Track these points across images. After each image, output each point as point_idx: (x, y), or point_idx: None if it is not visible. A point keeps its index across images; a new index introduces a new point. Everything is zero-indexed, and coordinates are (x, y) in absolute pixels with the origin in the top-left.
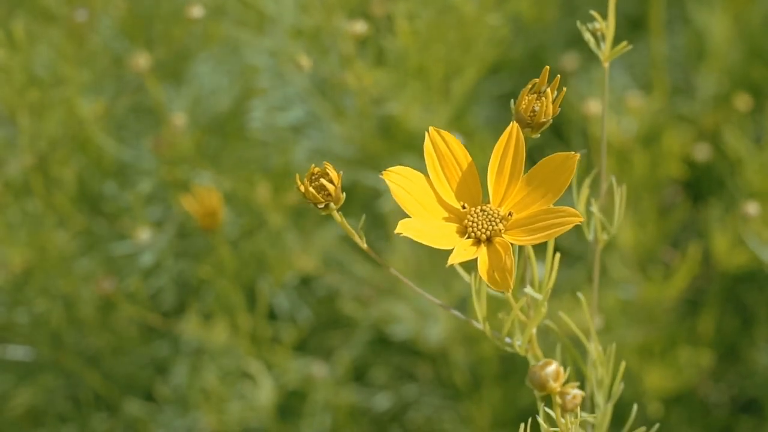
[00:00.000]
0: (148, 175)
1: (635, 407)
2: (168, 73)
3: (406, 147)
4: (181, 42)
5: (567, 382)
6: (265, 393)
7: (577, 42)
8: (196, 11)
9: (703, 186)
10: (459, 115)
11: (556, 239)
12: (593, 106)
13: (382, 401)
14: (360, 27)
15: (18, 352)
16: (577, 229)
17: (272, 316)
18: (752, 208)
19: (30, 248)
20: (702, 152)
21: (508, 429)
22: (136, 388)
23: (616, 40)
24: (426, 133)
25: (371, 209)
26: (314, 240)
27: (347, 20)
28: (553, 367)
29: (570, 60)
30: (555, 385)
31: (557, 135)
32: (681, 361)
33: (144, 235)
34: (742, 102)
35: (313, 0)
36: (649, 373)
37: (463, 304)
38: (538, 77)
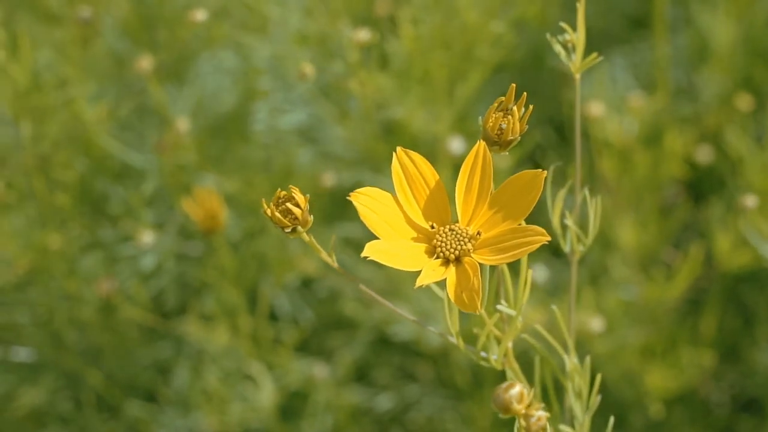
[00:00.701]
0: (150, 177)
1: (612, 420)
2: (171, 74)
3: (409, 149)
4: (185, 43)
5: (541, 397)
6: (266, 394)
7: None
8: (200, 15)
9: (705, 186)
10: (462, 117)
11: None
12: (595, 108)
13: (384, 402)
14: (364, 35)
15: (20, 353)
16: (559, 236)
17: (274, 317)
18: (750, 200)
19: (32, 249)
20: (704, 153)
21: (508, 429)
22: (137, 389)
23: (618, 40)
24: (393, 154)
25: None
26: (316, 241)
27: (352, 26)
28: (517, 389)
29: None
30: (519, 407)
31: (560, 136)
32: (682, 361)
33: (146, 237)
34: (744, 102)
35: (317, 4)
36: (651, 373)
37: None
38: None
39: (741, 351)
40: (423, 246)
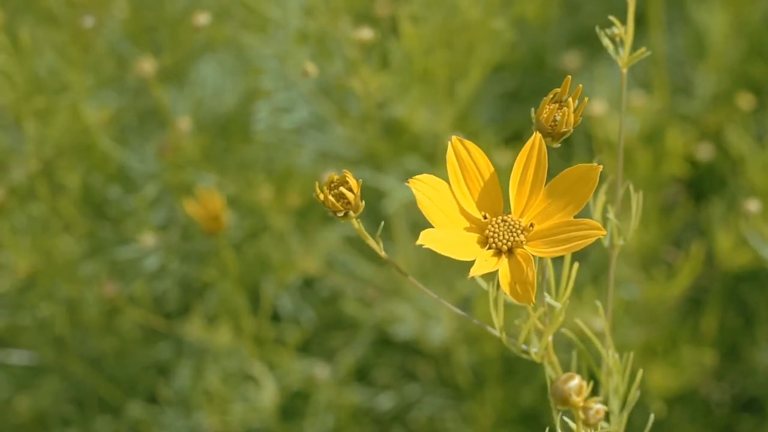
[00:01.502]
0: (152, 179)
1: (652, 416)
2: (172, 75)
3: (411, 148)
4: (186, 44)
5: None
6: (268, 394)
7: (578, 41)
8: (202, 19)
9: (706, 185)
10: (463, 116)
11: None
12: (596, 107)
13: (385, 401)
14: (366, 34)
15: (22, 356)
16: None
17: (275, 317)
18: (753, 205)
19: (35, 252)
20: (704, 151)
21: (510, 428)
22: (139, 390)
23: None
24: (449, 143)
25: (375, 210)
26: (317, 241)
27: (353, 25)
28: (576, 381)
29: (572, 59)
30: (578, 400)
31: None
32: (683, 360)
33: (148, 239)
34: (744, 101)
35: (318, 3)
36: (652, 373)
37: (466, 304)
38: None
39: (742, 350)
40: (475, 236)
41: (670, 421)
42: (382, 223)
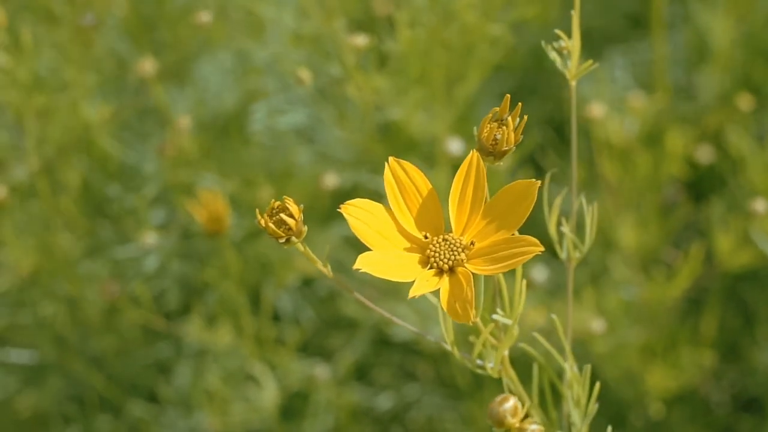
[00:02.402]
0: (152, 178)
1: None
2: (172, 75)
3: (408, 150)
4: (185, 44)
5: (539, 404)
6: (268, 394)
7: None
8: (204, 17)
9: (706, 185)
10: (461, 117)
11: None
12: (595, 109)
13: (384, 401)
14: (361, 40)
15: (23, 354)
16: (555, 243)
17: (275, 317)
18: (760, 205)
19: (36, 251)
20: (704, 152)
21: None
22: (140, 389)
23: (617, 40)
24: (386, 164)
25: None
26: (317, 241)
27: (348, 27)
28: (511, 402)
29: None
30: (513, 421)
31: (560, 136)
32: (683, 360)
33: (149, 238)
34: (745, 101)
35: (313, 4)
36: (651, 373)
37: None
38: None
39: (741, 350)
40: (416, 256)
41: (670, 421)
42: (327, 248)
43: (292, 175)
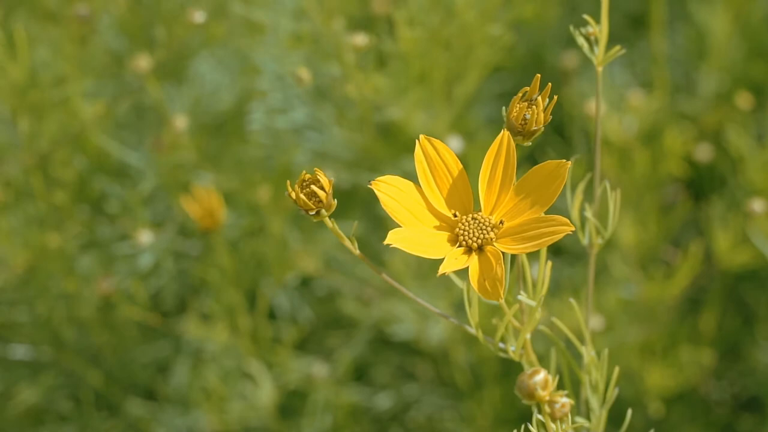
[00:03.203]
0: (148, 176)
1: (630, 412)
2: (169, 72)
3: (407, 149)
4: (182, 42)
5: (557, 389)
6: (265, 392)
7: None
8: (198, 16)
9: (705, 184)
10: (460, 116)
11: None
12: (594, 106)
13: (383, 401)
14: (361, 39)
15: (19, 351)
16: (577, 229)
17: (273, 316)
18: (758, 205)
19: (31, 248)
20: (703, 151)
21: (508, 428)
22: (137, 387)
23: (617, 39)
24: (417, 142)
25: (372, 211)
26: (315, 240)
27: (347, 26)
28: (541, 375)
29: (571, 58)
30: (543, 394)
31: (559, 133)
32: (682, 359)
33: (144, 235)
34: (744, 100)
35: (311, 4)
36: (651, 372)
37: (464, 305)
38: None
39: (741, 349)
40: (445, 234)
41: (670, 420)
42: (355, 223)
43: (291, 173)
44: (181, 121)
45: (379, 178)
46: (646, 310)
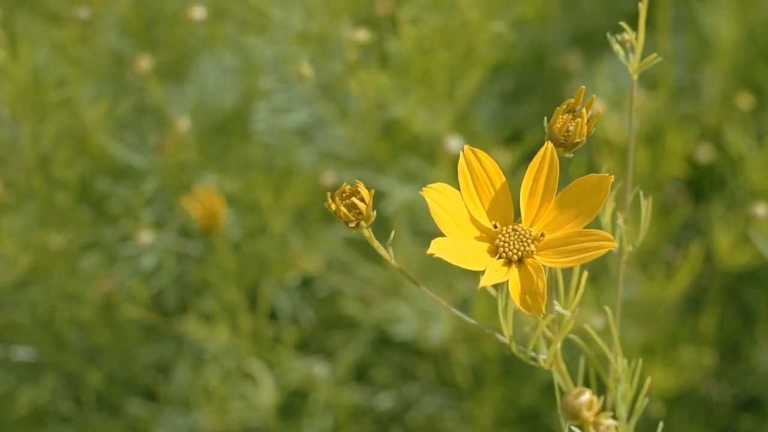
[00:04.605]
0: (150, 177)
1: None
2: (171, 73)
3: (410, 149)
4: (185, 42)
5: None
6: (266, 393)
7: (578, 40)
8: (197, 13)
9: (706, 185)
10: (462, 116)
11: None
12: (596, 106)
13: (384, 401)
14: (363, 35)
15: (20, 352)
16: None
17: (274, 316)
18: (761, 209)
19: (32, 249)
20: (704, 151)
21: (510, 428)
22: (137, 387)
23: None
24: (461, 152)
25: (375, 211)
26: (317, 241)
27: (352, 26)
28: (587, 396)
29: (572, 59)
30: (589, 415)
31: None
32: (683, 359)
33: (146, 236)
34: (744, 101)
35: (318, 4)
36: (651, 373)
37: (466, 305)
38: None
39: (741, 349)
40: (486, 245)
41: (670, 420)
42: (392, 233)
43: (294, 174)
44: (183, 122)
45: (430, 186)
46: (646, 310)
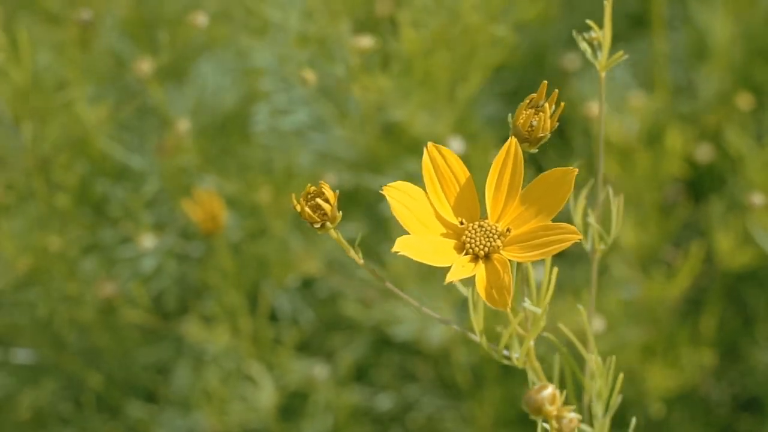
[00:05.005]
0: (150, 179)
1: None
2: (171, 74)
3: (410, 151)
4: (185, 44)
5: (565, 402)
6: (266, 394)
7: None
8: (200, 19)
9: (705, 185)
10: (462, 117)
11: None
12: (595, 107)
13: (384, 401)
14: (366, 42)
15: (20, 354)
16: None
17: (274, 317)
18: (758, 198)
19: (32, 251)
20: (704, 151)
21: (509, 429)
22: (138, 389)
23: (617, 39)
24: (424, 149)
25: (374, 212)
26: (317, 242)
27: (352, 28)
28: (549, 390)
29: (571, 59)
30: (551, 409)
31: (560, 135)
32: (682, 360)
33: (146, 239)
34: (744, 100)
35: (318, 5)
36: (651, 373)
37: (465, 307)
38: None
39: (741, 350)
40: (452, 242)
41: (670, 421)
42: (359, 234)
43: (293, 175)
44: (183, 124)
45: (390, 184)
46: (646, 310)
